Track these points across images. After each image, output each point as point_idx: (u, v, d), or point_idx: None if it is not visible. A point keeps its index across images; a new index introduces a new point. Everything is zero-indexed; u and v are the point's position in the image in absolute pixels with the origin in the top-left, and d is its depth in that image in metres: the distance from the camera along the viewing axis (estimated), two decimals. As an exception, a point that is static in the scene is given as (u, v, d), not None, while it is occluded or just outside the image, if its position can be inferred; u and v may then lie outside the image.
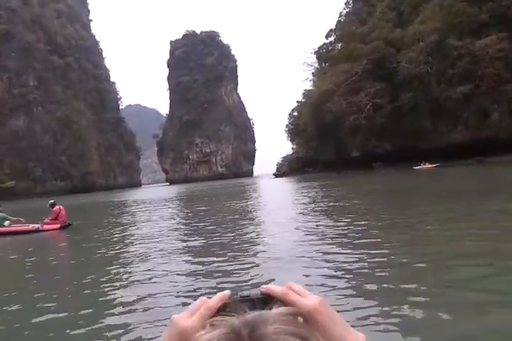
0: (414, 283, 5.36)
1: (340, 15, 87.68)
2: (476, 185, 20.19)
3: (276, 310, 0.57)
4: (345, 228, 10.14)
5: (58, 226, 17.01)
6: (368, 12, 76.73)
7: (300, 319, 0.57)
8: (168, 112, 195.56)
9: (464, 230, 8.50)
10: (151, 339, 4.37)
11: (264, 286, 0.63)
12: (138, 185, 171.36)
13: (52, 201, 18.12)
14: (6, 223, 17.19)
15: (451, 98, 53.84)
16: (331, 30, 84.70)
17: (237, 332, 0.52)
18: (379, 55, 62.75)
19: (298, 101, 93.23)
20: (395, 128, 60.34)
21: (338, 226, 10.47)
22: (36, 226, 16.78)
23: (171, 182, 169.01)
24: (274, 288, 0.62)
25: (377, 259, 6.76)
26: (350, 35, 70.30)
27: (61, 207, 17.84)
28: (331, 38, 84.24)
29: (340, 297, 5.04)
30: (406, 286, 5.30)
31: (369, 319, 4.32)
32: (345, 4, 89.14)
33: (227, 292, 0.65)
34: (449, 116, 55.78)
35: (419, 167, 47.90)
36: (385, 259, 6.74)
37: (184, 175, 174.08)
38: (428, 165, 47.63)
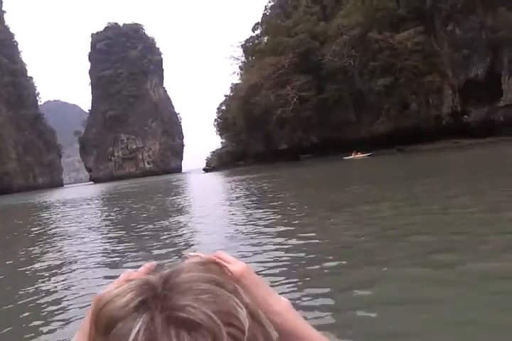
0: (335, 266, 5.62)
1: (265, 9, 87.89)
2: (401, 171, 21.18)
3: (192, 259, 0.54)
4: (275, 219, 9.95)
5: None
6: (292, 5, 77.51)
7: (215, 267, 0.54)
8: (90, 108, 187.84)
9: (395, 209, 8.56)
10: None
11: (191, 253, 0.61)
12: (60, 184, 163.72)
13: None
14: None
15: (373, 90, 55.66)
16: (257, 24, 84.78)
17: (151, 283, 0.49)
18: (304, 49, 63.60)
19: (226, 95, 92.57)
20: (321, 121, 61.56)
21: (266, 219, 10.21)
22: None
23: (96, 180, 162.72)
24: (201, 256, 0.60)
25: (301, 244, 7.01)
26: (276, 29, 70.67)
27: None
28: (258, 31, 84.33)
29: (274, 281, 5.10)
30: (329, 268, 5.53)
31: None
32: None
33: (154, 262, 0.63)
34: (371, 107, 57.72)
35: (350, 157, 48.99)
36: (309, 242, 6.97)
37: (109, 173, 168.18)
38: (360, 155, 48.84)
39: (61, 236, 11.94)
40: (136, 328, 0.44)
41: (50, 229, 13.91)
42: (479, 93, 47.60)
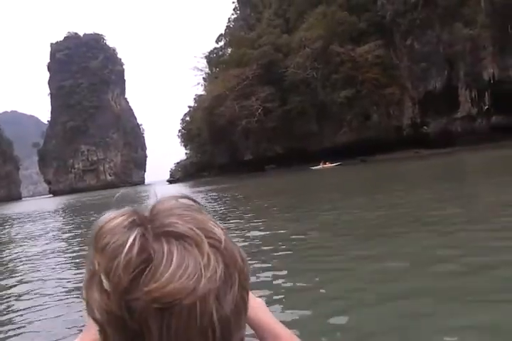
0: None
1: (229, 21, 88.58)
2: (369, 179, 21.52)
3: (169, 195, 0.60)
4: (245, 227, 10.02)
5: None
6: (256, 18, 78.42)
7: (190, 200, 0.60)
8: (49, 119, 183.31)
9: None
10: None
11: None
12: (18, 198, 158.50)
13: None
14: None
15: (335, 102, 56.78)
16: (220, 35, 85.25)
17: (138, 210, 0.56)
18: (268, 60, 64.31)
19: (190, 106, 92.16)
20: (285, 131, 62.16)
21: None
22: None
23: (55, 193, 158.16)
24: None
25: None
26: (239, 41, 71.29)
27: None
28: (221, 43, 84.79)
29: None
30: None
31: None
32: (234, 10, 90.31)
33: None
34: (334, 118, 58.77)
35: (318, 167, 49.25)
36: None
37: (69, 185, 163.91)
38: (329, 165, 49.24)
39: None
40: (132, 238, 0.51)
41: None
42: (437, 105, 49.30)
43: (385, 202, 11.13)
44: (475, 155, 31.44)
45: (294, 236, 8.07)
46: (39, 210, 37.86)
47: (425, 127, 51.20)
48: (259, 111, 62.30)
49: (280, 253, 6.91)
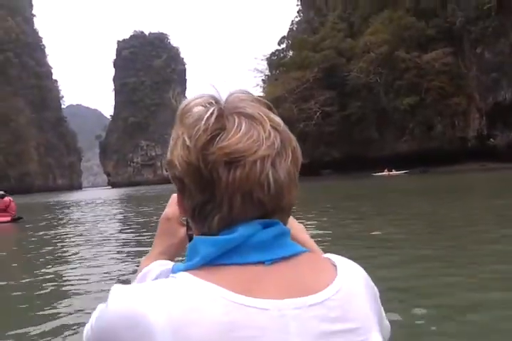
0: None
1: (292, 24, 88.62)
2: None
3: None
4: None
5: (9, 218, 16.19)
6: (319, 21, 78.00)
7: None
8: (112, 113, 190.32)
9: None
10: None
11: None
12: (78, 187, 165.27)
13: (1, 192, 17.22)
14: None
15: (398, 109, 55.52)
16: (283, 38, 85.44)
17: (215, 95, 0.71)
18: (330, 64, 63.79)
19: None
20: (344, 136, 61.44)
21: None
22: None
23: (114, 185, 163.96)
24: None
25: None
26: (302, 43, 71.09)
27: (11, 198, 17.00)
28: (283, 45, 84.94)
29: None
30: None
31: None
32: (298, 12, 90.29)
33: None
34: (395, 126, 57.51)
35: (382, 174, 48.13)
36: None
37: (127, 178, 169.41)
38: (395, 172, 48.09)
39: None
40: (210, 111, 0.67)
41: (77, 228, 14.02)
42: (506, 117, 47.11)
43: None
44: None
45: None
46: (104, 198, 39.69)
47: (492, 140, 49.07)
48: (318, 114, 61.92)
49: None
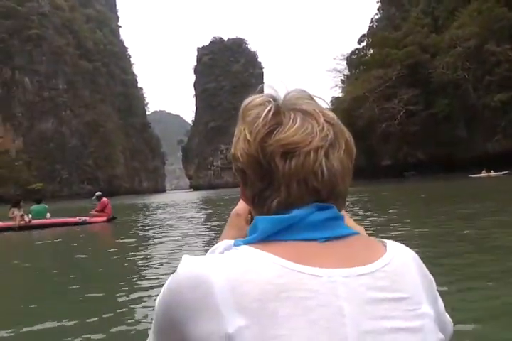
0: None
1: (372, 21, 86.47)
2: None
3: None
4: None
5: (105, 219, 16.85)
6: (401, 17, 75.32)
7: None
8: (193, 118, 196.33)
9: None
10: None
11: None
12: (162, 190, 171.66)
13: (99, 193, 18.18)
14: (48, 215, 17.29)
15: (488, 106, 51.92)
16: (363, 36, 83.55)
17: (274, 95, 0.78)
18: (413, 61, 61.22)
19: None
20: (429, 136, 58.48)
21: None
22: (83, 218, 16.77)
23: (195, 188, 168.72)
24: None
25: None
26: (383, 41, 68.87)
27: (107, 199, 17.72)
28: (363, 44, 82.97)
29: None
30: None
31: None
32: (378, 10, 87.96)
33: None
34: (485, 124, 53.78)
35: (481, 175, 44.29)
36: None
37: (208, 181, 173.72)
38: (494, 173, 44.48)
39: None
40: (268, 108, 0.74)
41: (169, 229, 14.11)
42: None
43: None
44: None
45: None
46: (187, 200, 40.91)
47: None
48: (401, 113, 59.52)
49: None
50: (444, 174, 49.26)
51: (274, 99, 0.77)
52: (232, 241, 0.89)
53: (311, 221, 0.71)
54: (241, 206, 1.07)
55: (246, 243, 0.72)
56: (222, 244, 0.94)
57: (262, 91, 0.81)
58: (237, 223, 1.07)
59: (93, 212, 17.31)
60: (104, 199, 17.60)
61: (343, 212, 0.84)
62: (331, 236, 0.71)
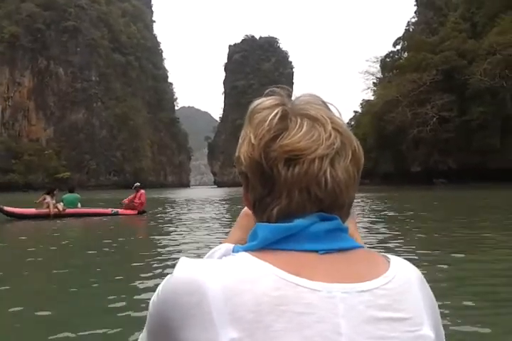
0: None
1: (408, 24, 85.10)
2: None
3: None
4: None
5: (136, 212, 17.26)
6: (439, 22, 73.89)
7: None
8: (221, 115, 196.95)
9: None
10: None
11: None
12: (187, 185, 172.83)
13: (138, 184, 18.59)
14: (79, 205, 17.67)
15: (526, 116, 50.46)
16: (398, 39, 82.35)
17: (282, 99, 0.76)
18: (449, 66, 59.85)
19: (355, 111, 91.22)
20: (461, 144, 57.15)
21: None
22: (115, 210, 17.25)
23: (219, 184, 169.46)
24: None
25: None
26: (419, 44, 67.67)
27: (144, 191, 18.03)
28: (398, 47, 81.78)
29: None
30: None
31: None
32: (415, 13, 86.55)
33: None
34: (522, 135, 52.29)
35: None
36: None
37: (232, 178, 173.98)
38: None
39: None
40: (275, 111, 0.72)
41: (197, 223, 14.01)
42: None
43: None
44: None
45: None
46: (213, 196, 41.58)
47: None
48: (434, 120, 58.28)
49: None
50: (473, 183, 47.95)
51: (283, 103, 0.75)
52: (232, 246, 0.89)
53: (312, 231, 0.69)
54: None
55: (245, 250, 0.70)
56: (223, 247, 0.94)
57: (270, 94, 0.79)
58: (246, 223, 1.05)
59: (126, 201, 17.77)
60: (142, 191, 17.92)
61: (351, 221, 0.81)
62: (333, 249, 0.69)
